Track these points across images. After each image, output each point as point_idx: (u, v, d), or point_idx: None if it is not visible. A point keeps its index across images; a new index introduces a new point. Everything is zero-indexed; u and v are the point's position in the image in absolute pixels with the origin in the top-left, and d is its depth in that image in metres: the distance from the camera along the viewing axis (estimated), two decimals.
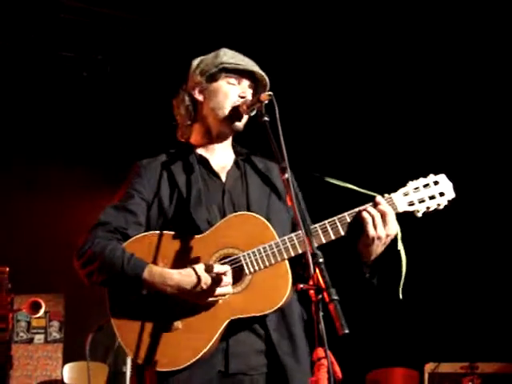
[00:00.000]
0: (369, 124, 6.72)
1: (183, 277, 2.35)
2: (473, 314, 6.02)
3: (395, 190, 2.50)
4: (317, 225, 2.44)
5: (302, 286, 1.94)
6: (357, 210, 2.44)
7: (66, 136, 7.11)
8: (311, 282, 1.93)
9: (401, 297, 2.49)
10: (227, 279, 2.36)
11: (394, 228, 2.42)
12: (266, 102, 2.43)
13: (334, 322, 1.83)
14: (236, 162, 2.72)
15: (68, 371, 6.72)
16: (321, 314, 1.89)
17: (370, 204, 2.44)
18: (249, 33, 5.87)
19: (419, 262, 5.87)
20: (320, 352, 1.89)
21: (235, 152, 2.76)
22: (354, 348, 5.74)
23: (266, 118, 2.37)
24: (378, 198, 2.45)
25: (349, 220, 2.43)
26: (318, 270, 1.93)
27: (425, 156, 5.99)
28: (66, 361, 7.00)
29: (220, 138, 2.71)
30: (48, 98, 6.90)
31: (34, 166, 7.07)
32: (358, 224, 2.42)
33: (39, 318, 7.03)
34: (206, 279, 2.33)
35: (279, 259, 2.40)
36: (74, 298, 7.07)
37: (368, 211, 2.41)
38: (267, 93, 2.45)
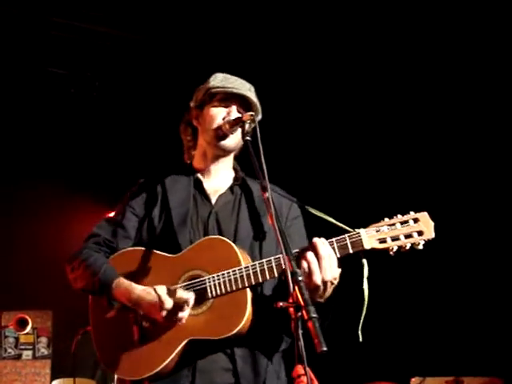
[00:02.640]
0: (360, 154, 6.75)
1: (144, 294, 2.44)
2: (458, 329, 6.03)
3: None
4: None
5: (281, 303, 1.97)
6: (299, 250, 2.36)
7: (53, 153, 7.09)
8: (291, 300, 1.96)
9: (361, 339, 2.40)
10: (186, 305, 2.38)
11: (332, 273, 2.30)
12: (248, 121, 2.48)
13: (312, 339, 1.87)
14: (231, 187, 2.75)
15: None
16: (300, 331, 1.92)
17: (309, 246, 2.33)
18: (238, 53, 5.90)
19: (406, 276, 5.95)
20: (299, 369, 1.92)
21: (235, 177, 2.79)
22: (339, 363, 5.76)
23: (248, 138, 2.43)
24: (315, 240, 2.35)
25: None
26: (297, 288, 1.97)
27: (414, 192, 5.97)
28: (54, 377, 6.96)
29: (215, 160, 2.76)
30: (36, 114, 6.88)
31: (20, 184, 7.04)
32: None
33: (27, 334, 6.99)
34: (164, 300, 2.38)
35: (240, 286, 2.41)
36: (62, 314, 7.05)
37: (306, 258, 2.31)
38: (249, 113, 2.51)
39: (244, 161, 2.82)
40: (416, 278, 6.15)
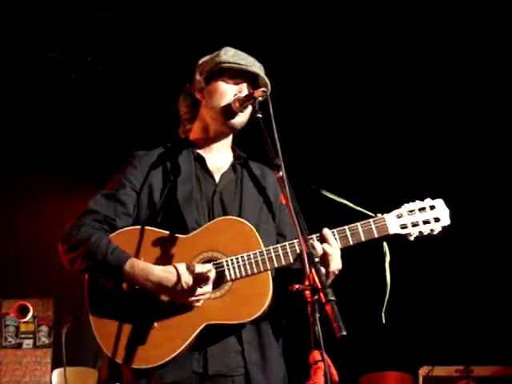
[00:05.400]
0: (374, 141, 6.68)
1: (165, 273, 2.33)
2: (467, 317, 6.00)
3: (390, 211, 2.43)
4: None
5: (297, 286, 1.89)
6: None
7: (54, 138, 7.03)
8: (307, 283, 1.88)
9: (384, 321, 2.40)
10: (208, 280, 2.31)
11: (336, 265, 2.34)
12: (260, 98, 2.39)
13: (330, 323, 1.78)
14: (233, 165, 2.68)
15: (57, 376, 6.62)
16: (317, 315, 1.84)
17: (317, 236, 2.35)
18: (241, 35, 5.80)
19: (414, 265, 5.88)
20: (316, 355, 1.84)
21: (234, 155, 2.71)
22: (347, 351, 5.69)
23: (259, 115, 2.34)
24: (325, 231, 2.36)
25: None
26: (313, 270, 1.88)
27: (427, 178, 5.94)
28: (55, 366, 6.89)
29: (217, 137, 2.67)
30: (36, 100, 6.82)
31: (19, 169, 6.97)
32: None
33: (28, 322, 6.93)
34: (187, 278, 2.29)
35: (262, 269, 2.35)
36: (63, 302, 6.98)
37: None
38: (261, 89, 2.41)
39: (240, 142, 2.77)
40: (424, 266, 6.12)
